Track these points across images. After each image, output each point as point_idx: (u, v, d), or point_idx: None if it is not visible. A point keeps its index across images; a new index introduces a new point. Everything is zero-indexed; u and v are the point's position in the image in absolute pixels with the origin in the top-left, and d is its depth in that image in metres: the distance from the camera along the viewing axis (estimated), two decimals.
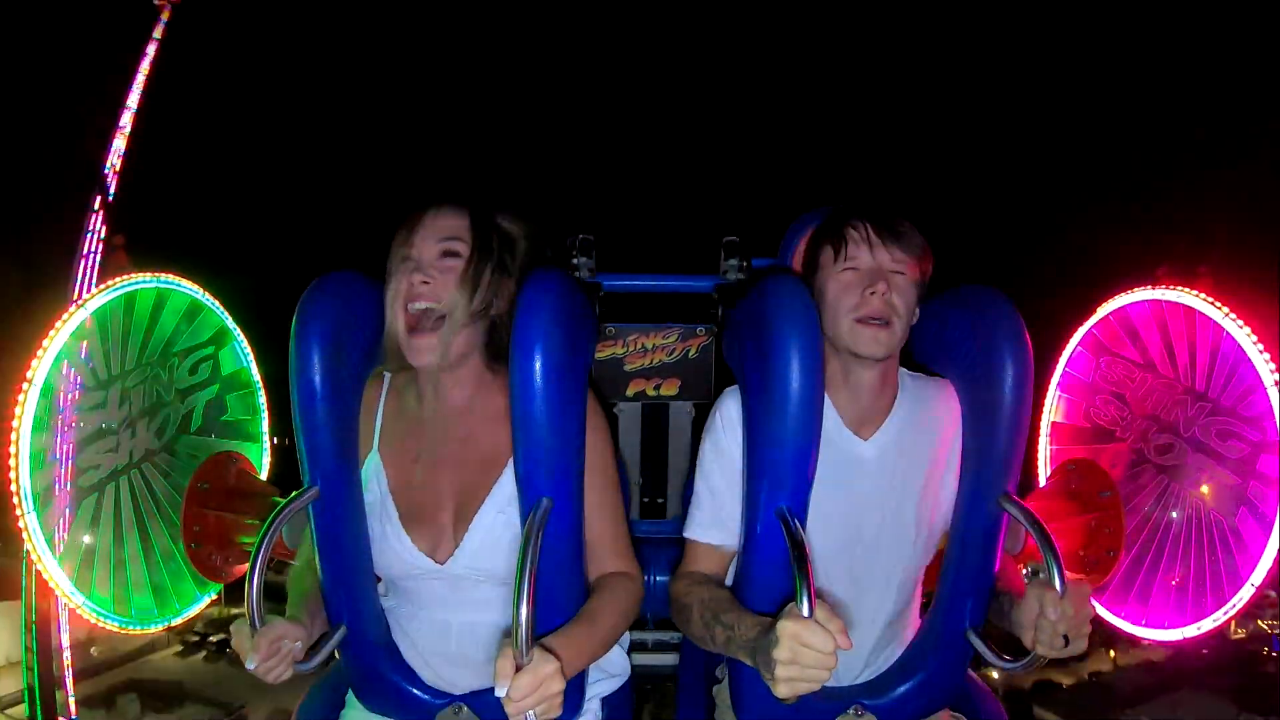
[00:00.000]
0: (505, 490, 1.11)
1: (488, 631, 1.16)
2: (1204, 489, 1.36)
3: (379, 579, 1.21)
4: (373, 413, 1.18)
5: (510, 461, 1.10)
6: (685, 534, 1.24)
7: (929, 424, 1.21)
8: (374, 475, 1.16)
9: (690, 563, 1.23)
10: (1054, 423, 1.68)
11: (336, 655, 1.19)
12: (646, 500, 1.87)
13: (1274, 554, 1.24)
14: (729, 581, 1.22)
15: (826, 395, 1.16)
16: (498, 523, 1.11)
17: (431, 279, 1.10)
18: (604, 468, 1.16)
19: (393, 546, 1.14)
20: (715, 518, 1.20)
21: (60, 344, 1.31)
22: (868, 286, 1.14)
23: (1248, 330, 1.28)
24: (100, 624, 1.36)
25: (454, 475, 1.15)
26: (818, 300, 1.20)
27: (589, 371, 1.18)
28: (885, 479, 1.18)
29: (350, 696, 1.27)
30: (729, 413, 1.18)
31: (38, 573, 1.29)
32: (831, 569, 1.16)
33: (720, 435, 1.18)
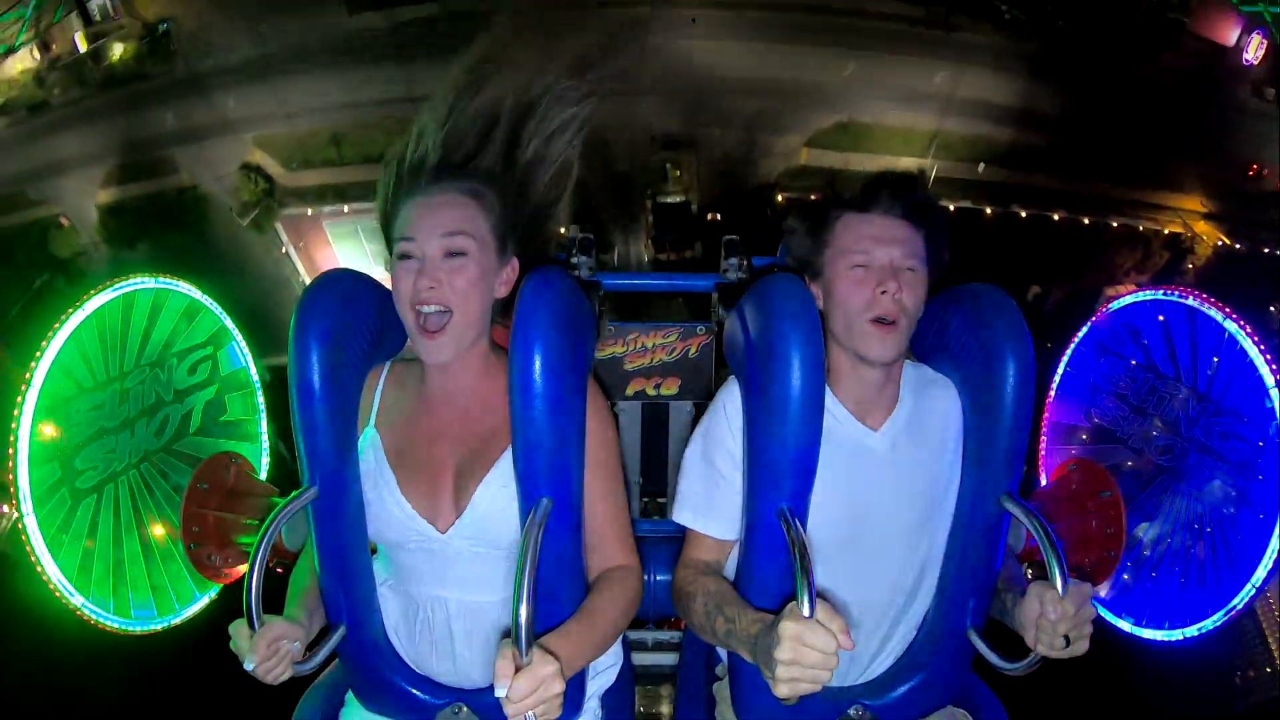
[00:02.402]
0: (508, 465, 1.10)
1: (487, 612, 1.16)
2: (1205, 490, 1.36)
3: (374, 549, 1.21)
4: (370, 395, 1.19)
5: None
6: (680, 518, 1.24)
7: (935, 415, 1.21)
8: (370, 447, 1.16)
9: (692, 551, 1.23)
10: (1054, 422, 1.68)
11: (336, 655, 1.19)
12: (646, 499, 1.86)
13: (1274, 555, 1.24)
14: (729, 574, 1.22)
15: (830, 387, 1.15)
16: (500, 495, 1.11)
17: (438, 282, 1.08)
18: (606, 459, 1.16)
19: (391, 511, 1.13)
20: (714, 507, 1.20)
21: (59, 345, 1.31)
22: (879, 285, 1.13)
23: (1250, 331, 1.28)
24: (99, 625, 1.36)
25: (454, 448, 1.15)
26: (823, 290, 1.19)
27: (589, 371, 1.17)
28: (895, 469, 1.18)
29: (350, 696, 1.27)
30: (732, 404, 1.18)
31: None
32: (838, 560, 1.16)
33: (723, 427, 1.18)
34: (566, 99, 1.18)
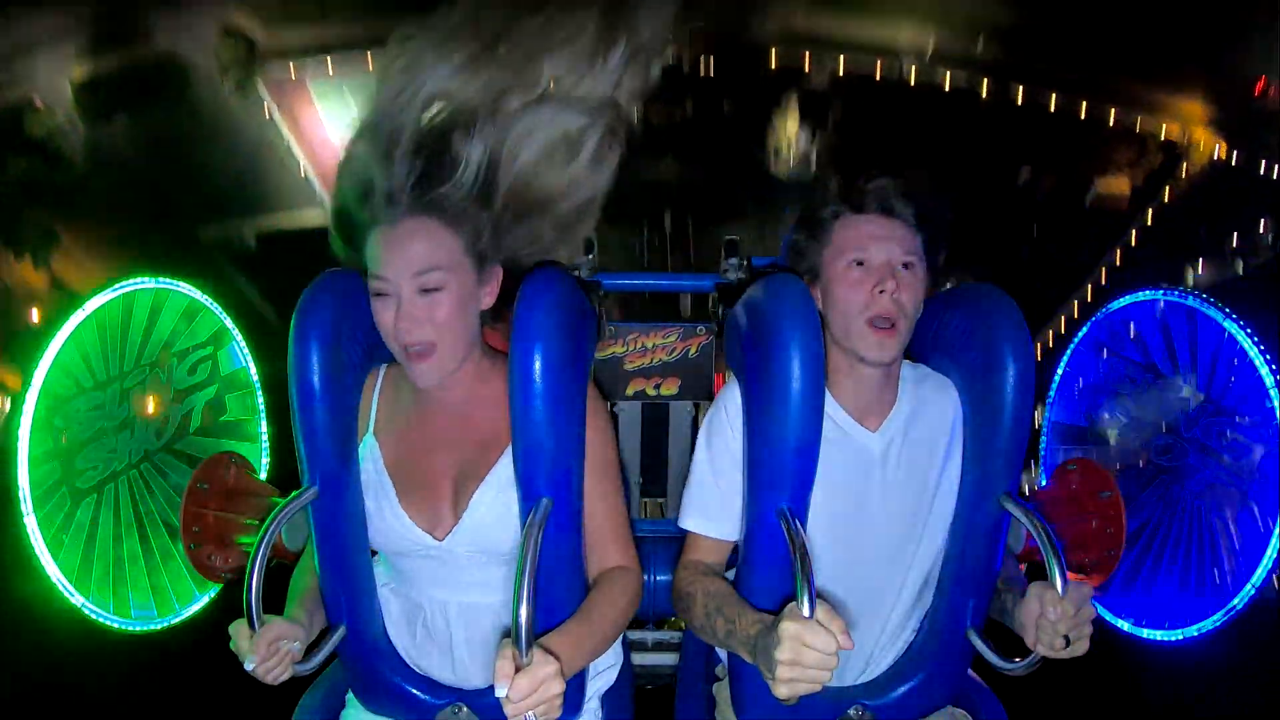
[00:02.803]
0: (505, 471, 1.10)
1: (487, 614, 1.16)
2: (1205, 490, 1.36)
3: (374, 551, 1.21)
4: (369, 400, 1.18)
5: (510, 445, 1.09)
6: (687, 525, 1.23)
7: (933, 417, 1.21)
8: (369, 455, 1.16)
9: (693, 552, 1.23)
10: (1054, 422, 1.68)
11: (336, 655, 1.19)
12: (646, 500, 1.86)
13: (1274, 555, 1.24)
14: (730, 576, 1.22)
15: (829, 388, 1.15)
16: (497, 502, 1.10)
17: (416, 320, 1.05)
18: (605, 460, 1.16)
19: (389, 523, 1.13)
20: (719, 510, 1.19)
21: (60, 345, 1.31)
22: (876, 285, 1.13)
23: (1249, 331, 1.28)
24: (99, 625, 1.36)
25: (452, 455, 1.14)
26: (821, 289, 1.19)
27: (590, 371, 1.17)
28: (894, 470, 1.18)
29: (350, 696, 1.27)
30: (733, 406, 1.18)
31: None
32: (836, 561, 1.16)
33: (725, 428, 1.18)
34: (552, 115, 1.06)
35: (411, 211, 1.05)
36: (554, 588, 1.08)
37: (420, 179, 1.05)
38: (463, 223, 1.08)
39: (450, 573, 1.15)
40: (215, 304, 1.63)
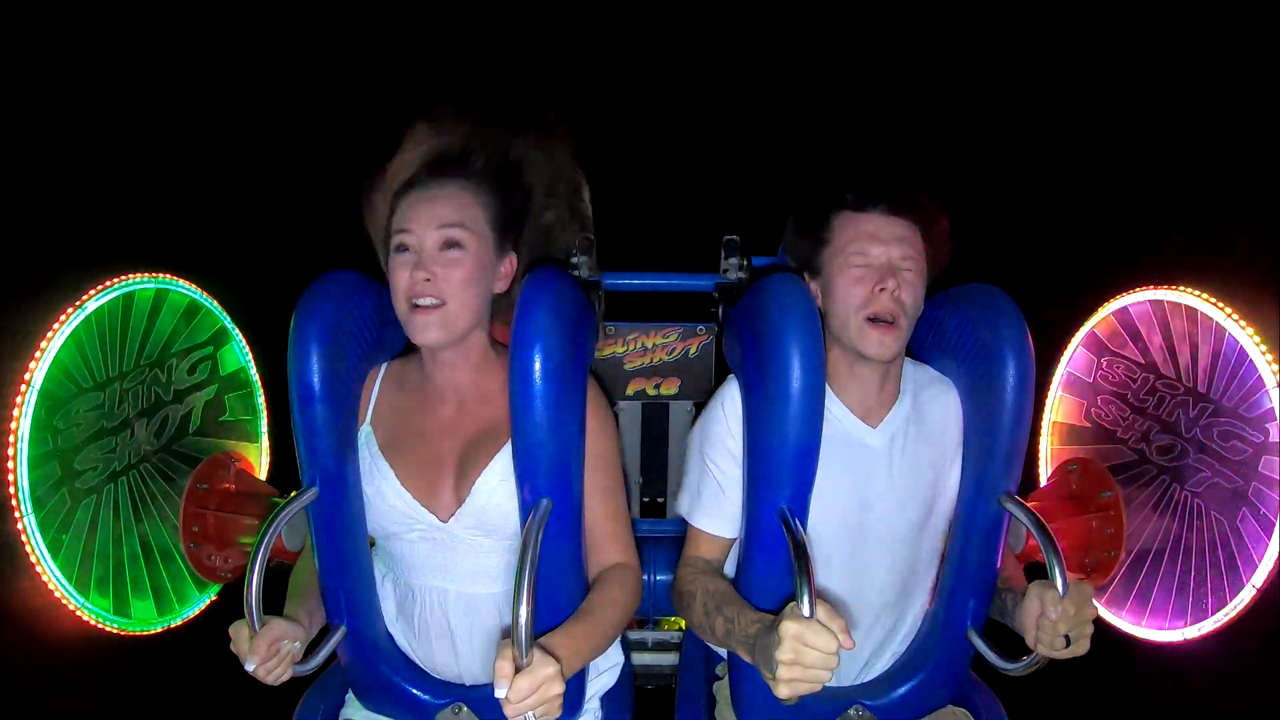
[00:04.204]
0: (507, 461, 1.10)
1: (488, 605, 1.16)
2: (1204, 490, 1.36)
3: (372, 541, 1.21)
4: (368, 394, 1.18)
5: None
6: (689, 519, 1.23)
7: (935, 415, 1.21)
8: (365, 443, 1.16)
9: (693, 549, 1.23)
10: (1055, 422, 1.68)
11: (337, 655, 1.19)
12: (646, 499, 1.87)
13: (1275, 556, 1.24)
14: (729, 572, 1.22)
15: (830, 385, 1.15)
16: (501, 488, 1.10)
17: (434, 275, 1.08)
18: (606, 458, 1.16)
19: (392, 504, 1.13)
20: (720, 507, 1.19)
21: (58, 345, 1.31)
22: (878, 283, 1.13)
23: (1250, 331, 1.28)
24: (99, 626, 1.36)
25: (454, 442, 1.15)
26: (822, 288, 1.19)
27: (589, 371, 1.17)
28: (894, 467, 1.18)
29: (350, 696, 1.27)
30: (731, 402, 1.18)
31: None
32: (836, 559, 1.16)
33: (725, 425, 1.18)
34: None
35: (444, 180, 1.13)
36: (554, 587, 1.08)
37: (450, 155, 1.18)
38: (484, 192, 1.14)
39: (452, 558, 1.15)
40: (215, 303, 1.63)
